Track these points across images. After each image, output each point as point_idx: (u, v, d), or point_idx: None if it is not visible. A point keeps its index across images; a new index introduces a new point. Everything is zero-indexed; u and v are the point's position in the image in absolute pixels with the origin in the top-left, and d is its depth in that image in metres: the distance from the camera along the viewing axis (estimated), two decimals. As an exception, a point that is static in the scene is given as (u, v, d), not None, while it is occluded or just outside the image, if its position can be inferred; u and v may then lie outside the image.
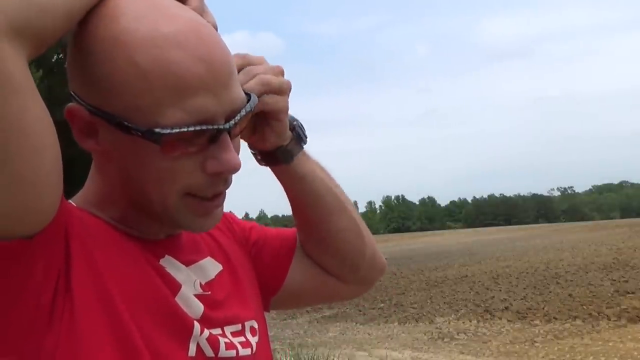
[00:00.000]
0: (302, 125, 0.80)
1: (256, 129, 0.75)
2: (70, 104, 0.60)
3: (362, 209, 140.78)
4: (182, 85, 0.56)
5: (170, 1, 0.60)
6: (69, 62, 0.61)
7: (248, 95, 0.64)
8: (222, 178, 0.63)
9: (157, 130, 0.56)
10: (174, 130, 0.56)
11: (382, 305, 11.72)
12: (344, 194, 0.86)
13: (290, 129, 0.77)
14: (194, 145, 0.59)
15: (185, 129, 0.57)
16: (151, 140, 0.57)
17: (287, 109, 0.74)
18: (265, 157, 0.78)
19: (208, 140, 0.59)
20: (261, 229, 0.89)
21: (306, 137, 0.80)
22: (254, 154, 0.80)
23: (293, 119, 0.78)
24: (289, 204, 0.85)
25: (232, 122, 0.60)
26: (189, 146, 0.59)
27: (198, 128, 0.57)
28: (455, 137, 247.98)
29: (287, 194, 0.83)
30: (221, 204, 0.66)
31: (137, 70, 0.56)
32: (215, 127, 0.59)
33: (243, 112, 0.61)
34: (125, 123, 0.57)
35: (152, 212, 0.64)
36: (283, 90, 0.73)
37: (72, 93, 0.61)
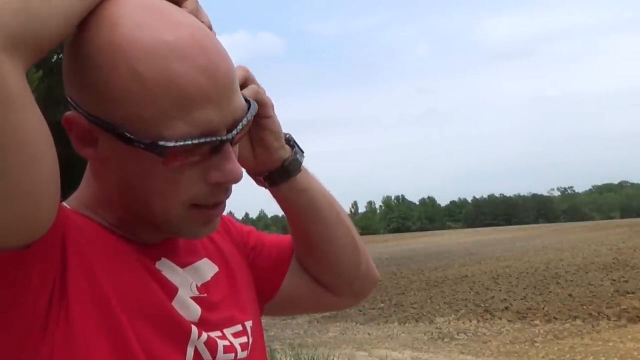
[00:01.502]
0: (294, 138, 0.81)
1: (255, 150, 0.76)
2: (68, 113, 0.59)
3: (362, 209, 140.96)
4: (186, 98, 0.55)
5: (170, 5, 0.59)
6: (66, 67, 0.60)
7: (247, 102, 0.63)
8: (223, 188, 0.63)
9: (161, 143, 0.55)
10: (179, 143, 0.56)
11: (382, 305, 11.73)
12: (339, 205, 0.86)
13: (286, 142, 0.79)
14: (195, 156, 0.58)
15: (190, 142, 0.56)
16: (155, 153, 0.56)
17: (272, 103, 0.75)
18: (273, 175, 0.78)
19: (210, 150, 0.59)
20: (259, 234, 0.89)
21: (302, 150, 0.81)
22: (261, 179, 0.79)
23: (285, 133, 0.79)
24: (290, 224, 0.85)
25: (235, 132, 0.59)
26: (191, 157, 0.58)
27: (202, 140, 0.57)
28: (455, 137, 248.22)
29: (287, 210, 0.83)
30: (221, 213, 0.66)
31: (140, 80, 0.55)
32: (219, 138, 0.58)
33: (245, 122, 0.61)
34: (127, 134, 0.56)
35: (151, 221, 0.64)
36: (261, 88, 0.74)
37: (69, 99, 0.60)
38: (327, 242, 0.83)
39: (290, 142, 0.80)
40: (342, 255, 0.85)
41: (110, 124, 0.56)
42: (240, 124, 0.60)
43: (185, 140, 0.56)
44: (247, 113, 0.62)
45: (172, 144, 0.55)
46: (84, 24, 0.56)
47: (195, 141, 0.56)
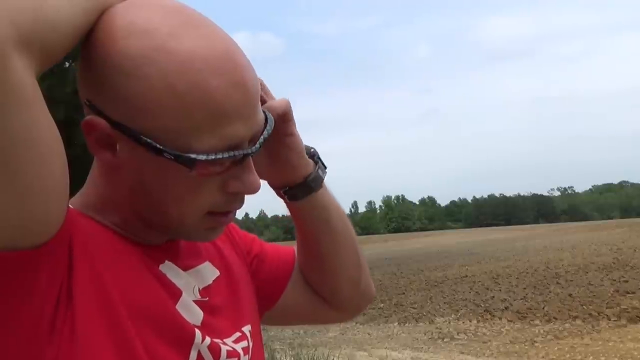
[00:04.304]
0: (318, 153, 0.80)
1: (275, 165, 0.76)
2: (89, 117, 0.58)
3: (362, 209, 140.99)
4: (220, 113, 0.56)
5: (194, 11, 0.59)
6: (86, 71, 0.59)
7: (264, 114, 0.64)
8: (239, 197, 0.64)
9: (192, 156, 0.56)
10: (210, 157, 0.56)
11: (382, 305, 11.72)
12: (349, 221, 0.86)
13: (310, 156, 0.78)
14: (221, 168, 0.59)
15: (221, 156, 0.57)
16: (184, 165, 0.56)
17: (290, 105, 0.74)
18: (294, 190, 0.78)
19: (232, 162, 0.60)
20: (262, 243, 0.89)
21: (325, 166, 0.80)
22: (280, 191, 0.79)
23: (309, 147, 0.79)
24: (300, 238, 0.84)
25: (258, 145, 0.60)
26: (217, 168, 0.59)
27: (231, 154, 0.58)
28: (456, 137, 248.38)
29: (302, 225, 0.82)
30: (232, 219, 0.67)
31: (175, 94, 0.54)
32: (244, 152, 0.59)
33: (266, 134, 0.62)
34: (156, 144, 0.55)
35: (163, 225, 0.64)
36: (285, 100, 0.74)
37: (87, 102, 0.59)
38: (336, 258, 0.84)
39: (314, 157, 0.79)
40: (346, 272, 0.86)
41: (136, 133, 0.56)
42: (262, 137, 0.61)
43: (215, 154, 0.56)
44: (266, 125, 0.63)
45: (203, 157, 0.56)
46: (109, 29, 0.56)
47: (225, 155, 0.57)
